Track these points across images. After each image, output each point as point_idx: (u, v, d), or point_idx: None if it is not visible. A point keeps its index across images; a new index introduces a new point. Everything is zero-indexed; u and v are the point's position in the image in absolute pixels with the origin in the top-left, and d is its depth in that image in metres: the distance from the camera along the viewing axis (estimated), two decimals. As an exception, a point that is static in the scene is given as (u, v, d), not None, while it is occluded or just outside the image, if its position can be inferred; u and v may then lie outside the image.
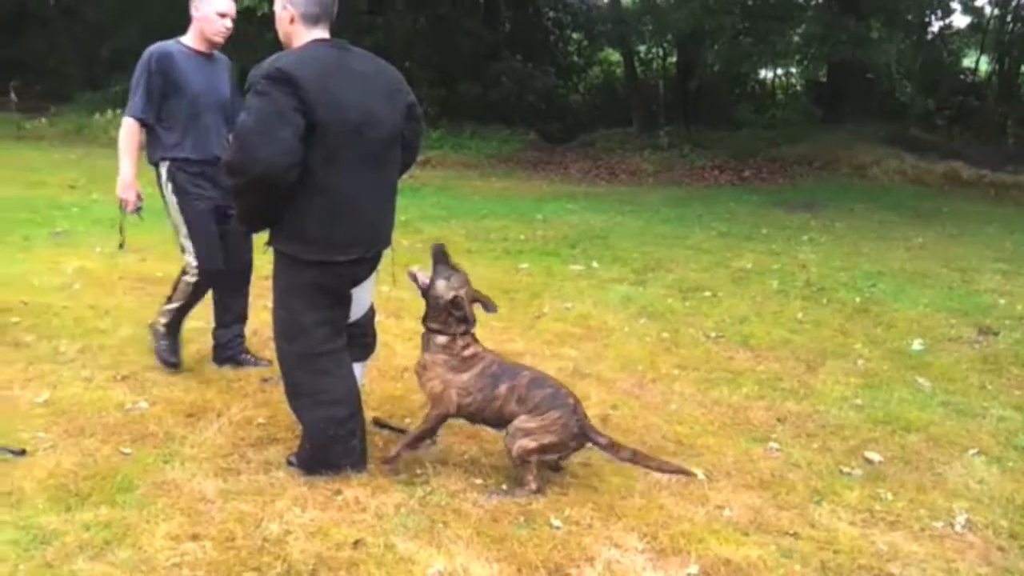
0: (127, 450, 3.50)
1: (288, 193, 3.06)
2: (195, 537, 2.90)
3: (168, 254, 6.98)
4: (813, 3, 16.54)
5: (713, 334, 5.36)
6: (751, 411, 4.18)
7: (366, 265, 3.35)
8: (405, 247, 7.13)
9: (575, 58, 21.82)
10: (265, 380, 4.26)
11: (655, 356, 4.92)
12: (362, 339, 3.54)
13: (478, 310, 3.49)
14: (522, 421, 3.28)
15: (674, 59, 19.30)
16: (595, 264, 7.20)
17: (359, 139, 3.11)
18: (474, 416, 3.45)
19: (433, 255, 3.42)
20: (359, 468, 3.37)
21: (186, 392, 4.14)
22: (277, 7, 3.23)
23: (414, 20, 17.96)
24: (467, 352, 3.39)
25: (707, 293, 6.34)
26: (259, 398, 4.09)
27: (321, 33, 3.18)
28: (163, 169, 4.32)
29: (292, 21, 3.17)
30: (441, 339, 3.42)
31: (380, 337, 4.46)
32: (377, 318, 4.41)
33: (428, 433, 3.48)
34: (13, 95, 16.69)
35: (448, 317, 3.38)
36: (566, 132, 17.32)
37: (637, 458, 3.33)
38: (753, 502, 3.30)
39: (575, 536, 3.00)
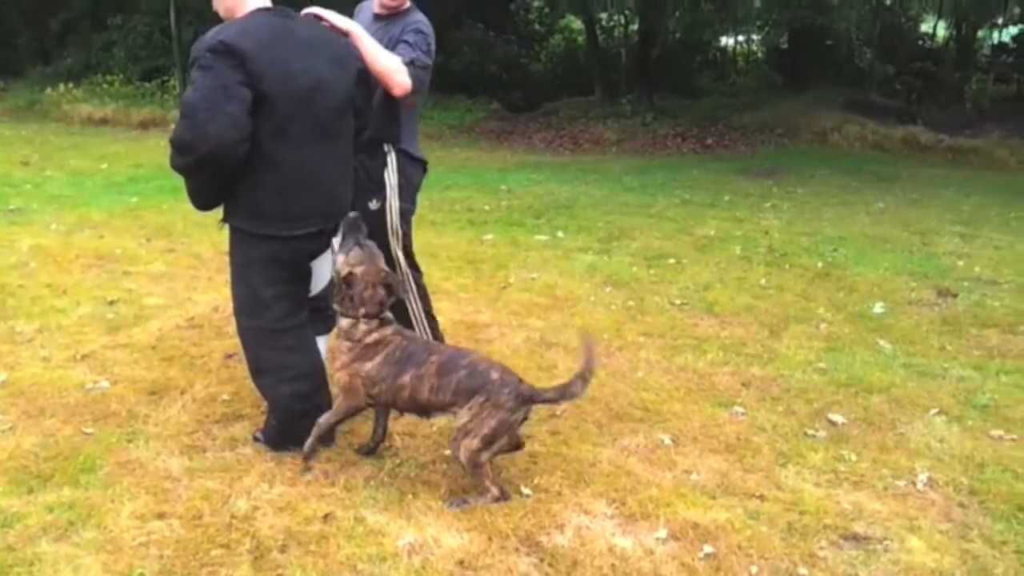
0: (89, 430, 3.44)
1: (239, 169, 2.99)
2: (161, 516, 2.87)
3: (125, 230, 6.88)
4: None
5: (678, 301, 5.39)
6: (716, 376, 4.22)
7: (325, 238, 3.28)
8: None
9: (536, 26, 21.60)
10: (229, 356, 4.21)
11: (621, 324, 4.93)
12: (324, 312, 3.49)
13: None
14: (458, 420, 3.01)
15: (636, 26, 19.22)
16: (560, 234, 7.19)
17: (310, 108, 3.05)
18: (392, 407, 3.24)
19: (343, 226, 3.15)
20: (326, 442, 3.34)
21: (148, 370, 4.08)
22: None
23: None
24: (370, 338, 3.10)
25: (671, 261, 6.37)
26: (223, 375, 4.04)
27: (263, 2, 3.11)
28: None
29: None
30: (343, 322, 3.16)
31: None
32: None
33: (337, 423, 3.26)
34: None
35: (344, 297, 3.14)
36: (529, 101, 17.19)
37: (586, 373, 3.03)
38: (719, 466, 3.34)
39: (544, 504, 3.01)
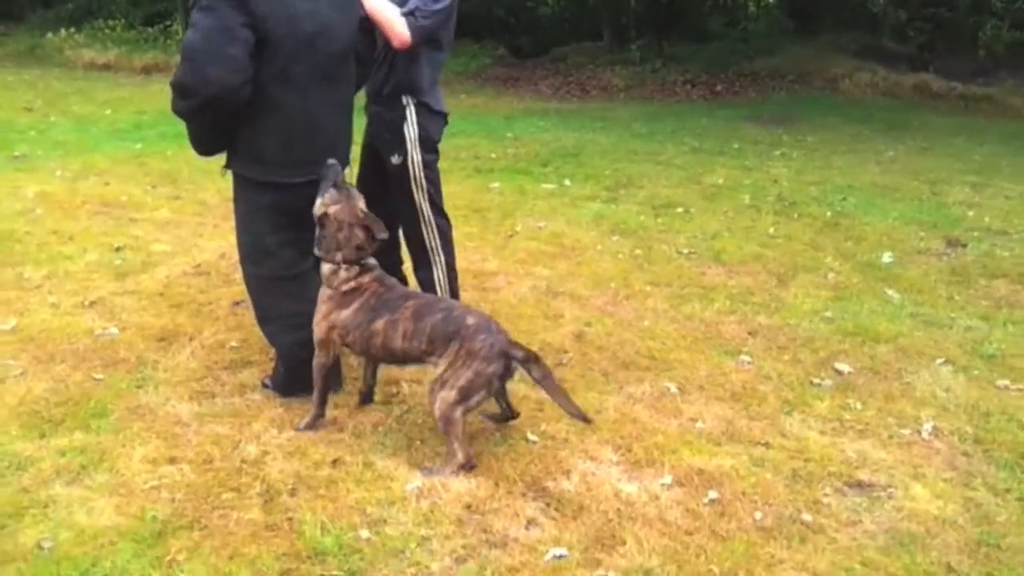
0: (99, 376, 3.47)
1: (241, 113, 2.97)
2: (172, 460, 2.90)
3: (130, 177, 6.86)
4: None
5: (685, 250, 5.37)
6: (723, 325, 4.22)
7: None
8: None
9: (544, -30, 21.25)
10: (236, 303, 4.22)
11: (628, 273, 4.92)
12: None
13: None
14: (436, 369, 2.90)
15: (646, -30, 18.87)
16: (567, 182, 7.14)
17: (312, 53, 3.01)
18: (370, 357, 3.16)
19: (325, 172, 3.05)
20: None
21: (156, 317, 4.10)
22: None
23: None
24: (347, 286, 3.03)
25: (679, 209, 6.33)
26: (231, 321, 4.06)
27: None
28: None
29: None
30: (324, 268, 3.07)
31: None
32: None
33: (323, 388, 3.15)
34: None
35: (321, 240, 3.06)
36: (536, 47, 16.93)
37: (547, 383, 2.96)
38: (725, 414, 3.36)
39: (551, 450, 3.04)
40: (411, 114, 3.64)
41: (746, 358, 3.85)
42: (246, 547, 2.46)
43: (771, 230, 5.85)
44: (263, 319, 3.35)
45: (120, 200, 6.18)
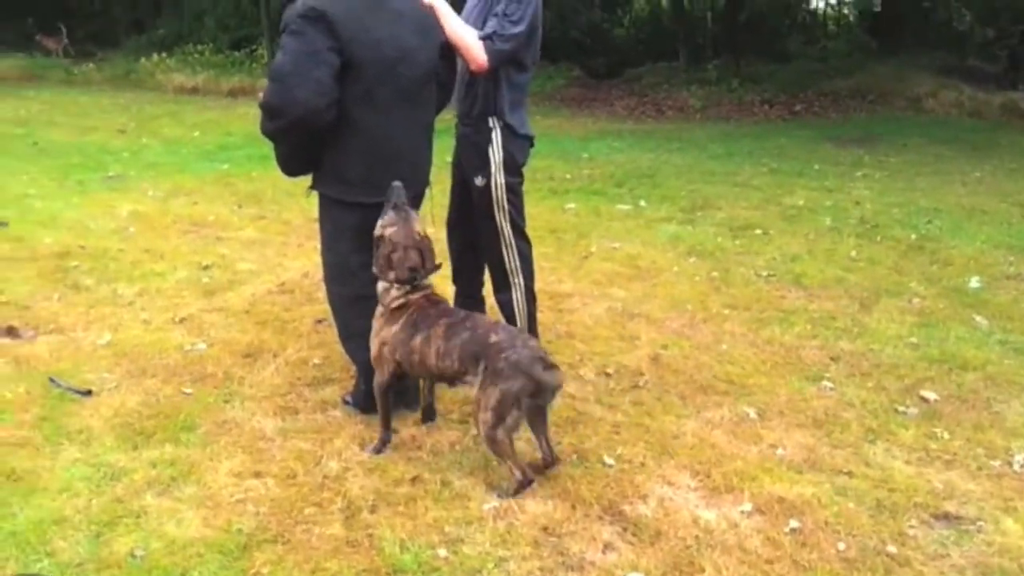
0: (188, 390, 3.59)
1: (326, 135, 3.06)
2: (257, 474, 2.99)
3: (217, 197, 7.09)
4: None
5: (764, 273, 5.30)
6: (804, 350, 4.15)
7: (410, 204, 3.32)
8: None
9: (619, -10, 21.31)
10: (319, 321, 4.32)
11: (705, 296, 4.88)
12: None
13: None
14: (474, 391, 2.87)
15: (722, -11, 18.76)
16: (643, 203, 7.12)
17: (394, 76, 3.09)
18: (416, 375, 3.15)
19: (388, 193, 3.07)
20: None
21: (242, 333, 4.22)
22: None
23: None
24: (396, 303, 3.05)
25: (758, 231, 6.25)
26: (313, 339, 4.16)
27: None
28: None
29: None
30: (379, 287, 3.10)
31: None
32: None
33: (384, 409, 3.15)
34: (52, 42, 16.97)
35: (379, 260, 3.08)
36: (611, 68, 16.97)
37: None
38: (806, 441, 3.30)
39: (628, 474, 3.03)
40: (496, 136, 3.65)
41: (828, 384, 3.77)
42: (327, 562, 2.51)
43: (853, 253, 5.72)
44: (345, 337, 3.43)
45: (208, 220, 6.39)
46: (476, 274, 4.11)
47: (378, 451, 3.15)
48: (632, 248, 5.80)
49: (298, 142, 3.13)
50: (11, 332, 4.11)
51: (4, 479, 2.89)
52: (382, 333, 3.08)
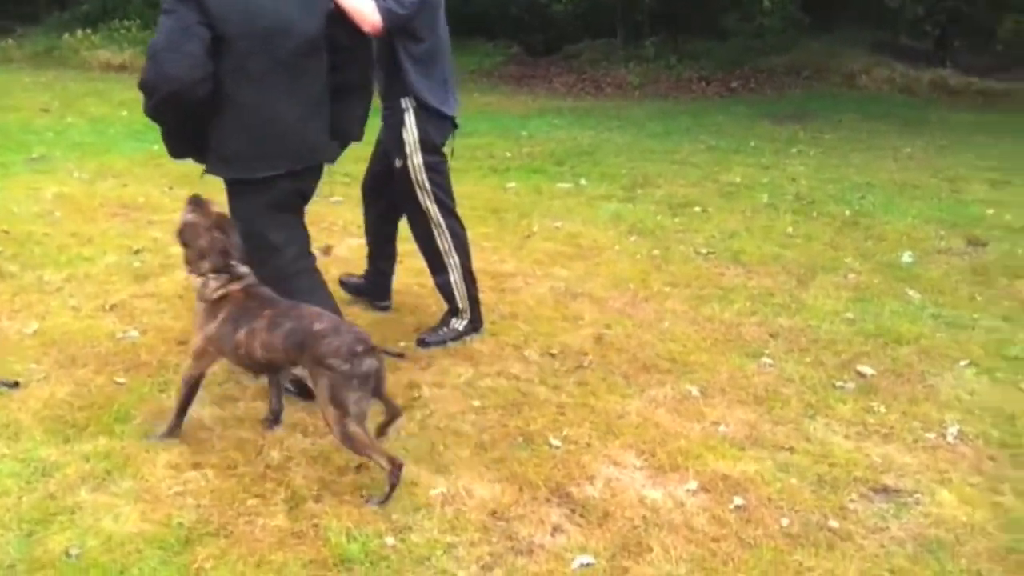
0: (121, 380, 3.47)
1: (204, 111, 3.09)
2: (196, 465, 2.90)
3: (147, 178, 6.88)
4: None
5: (704, 250, 5.35)
6: (743, 327, 4.20)
7: (309, 178, 3.35)
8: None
9: (558, -34, 21.21)
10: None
11: (646, 274, 4.91)
12: None
13: None
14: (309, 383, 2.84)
15: (659, -34, 18.80)
16: (583, 181, 7.13)
17: (270, 48, 3.09)
18: (245, 368, 3.06)
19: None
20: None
21: (176, 320, 4.11)
22: None
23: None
24: (216, 295, 2.94)
25: (697, 209, 6.30)
26: (251, 324, 4.05)
27: None
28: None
29: None
30: (196, 283, 3.00)
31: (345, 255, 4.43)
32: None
33: (186, 400, 3.05)
34: None
35: (188, 256, 3.01)
36: (550, 44, 16.88)
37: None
38: (748, 417, 3.34)
39: (574, 455, 3.03)
40: (409, 118, 3.66)
41: (768, 360, 3.83)
42: (272, 554, 2.46)
43: (790, 229, 5.81)
44: None
45: (138, 202, 6.19)
46: (385, 245, 4.17)
47: (167, 437, 3.03)
48: (573, 227, 5.80)
49: (176, 119, 3.14)
50: (-70, 323, 3.93)
51: (-74, 478, 2.77)
52: (206, 328, 2.96)
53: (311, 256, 3.42)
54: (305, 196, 3.40)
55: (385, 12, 3.35)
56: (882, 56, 13.69)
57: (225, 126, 3.15)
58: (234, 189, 3.28)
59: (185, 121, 3.15)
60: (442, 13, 3.74)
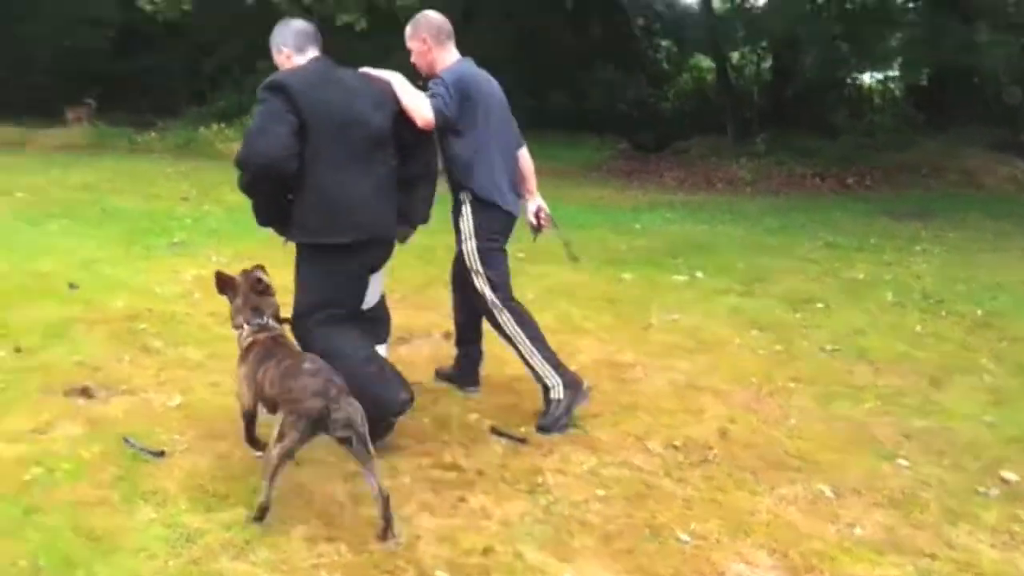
0: (258, 454, 3.60)
1: (289, 187, 3.52)
2: (330, 539, 2.98)
3: (283, 264, 7.20)
4: (913, 6, 16.05)
5: (829, 347, 5.23)
6: (875, 427, 4.07)
7: (369, 252, 3.68)
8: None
9: (665, 65, 21.65)
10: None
11: (770, 369, 4.83)
12: (378, 322, 3.94)
13: None
14: None
15: (768, 64, 18.97)
16: (699, 274, 7.11)
17: (345, 137, 3.52)
18: (268, 407, 3.27)
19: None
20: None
21: (308, 398, 4.24)
22: (273, 53, 3.73)
23: (504, 32, 18.10)
24: (246, 342, 3.44)
25: (819, 304, 6.19)
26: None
27: (313, 53, 3.67)
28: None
29: (288, 57, 3.67)
30: (235, 333, 3.55)
31: (488, 348, 4.53)
32: (484, 328, 4.48)
33: (248, 430, 3.47)
34: (78, 112, 17.75)
35: (232, 313, 3.58)
36: (658, 140, 17.15)
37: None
38: (885, 521, 3.22)
39: (703, 551, 2.97)
40: (466, 208, 4.03)
41: (903, 462, 3.69)
42: (405, 632, 2.48)
43: (918, 328, 5.64)
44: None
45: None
46: (470, 330, 4.39)
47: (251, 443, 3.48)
48: (692, 319, 5.77)
49: (267, 192, 3.58)
50: (85, 392, 4.19)
51: (85, 538, 2.92)
52: (240, 370, 3.42)
53: (348, 322, 3.69)
54: (372, 268, 3.77)
55: (437, 110, 3.75)
56: (1003, 154, 13.32)
57: (305, 201, 3.54)
58: (303, 254, 3.67)
59: (273, 196, 3.59)
60: (490, 110, 4.03)
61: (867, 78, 19.75)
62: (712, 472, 3.57)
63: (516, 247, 7.63)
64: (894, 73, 18.94)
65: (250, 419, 3.45)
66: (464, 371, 4.43)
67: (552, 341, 5.13)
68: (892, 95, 19.62)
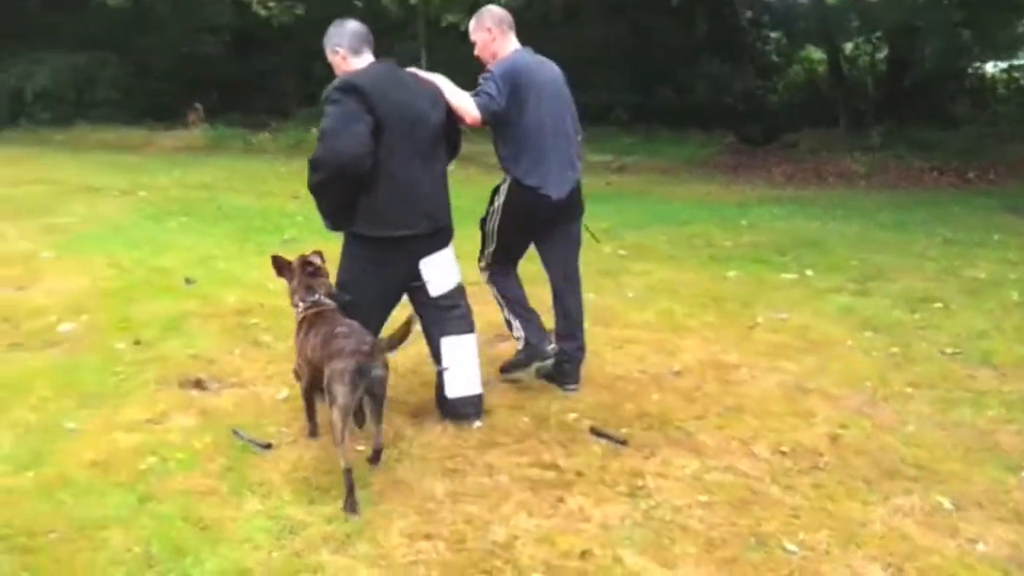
0: (361, 447, 3.66)
1: (364, 182, 3.60)
2: (428, 536, 2.99)
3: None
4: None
5: (949, 350, 4.95)
6: (999, 435, 3.83)
7: (428, 240, 3.84)
8: (608, 253, 7.12)
9: (774, 57, 21.02)
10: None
11: (885, 372, 4.60)
12: (452, 311, 4.00)
13: None
14: None
15: (883, 55, 18.17)
16: (809, 272, 6.86)
17: (412, 133, 3.69)
18: (318, 375, 3.46)
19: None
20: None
21: (409, 393, 4.30)
22: (328, 53, 3.85)
23: (608, 28, 17.93)
24: (300, 316, 3.68)
25: (938, 305, 5.87)
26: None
27: (369, 58, 3.81)
28: None
29: (344, 58, 3.79)
30: (293, 310, 3.78)
31: (589, 346, 4.49)
32: (585, 326, 4.43)
33: (308, 406, 3.76)
34: (195, 114, 18.46)
35: (289, 293, 3.81)
36: (766, 134, 16.64)
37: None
38: (1010, 537, 3.02)
39: (812, 563, 2.85)
40: (504, 186, 4.23)
41: (1031, 475, 3.46)
42: (502, 633, 2.46)
43: (1048, 331, 5.29)
44: None
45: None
46: (559, 317, 4.46)
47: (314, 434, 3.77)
48: (801, 319, 5.57)
49: (341, 191, 3.63)
50: (199, 384, 4.35)
51: (194, 527, 3.02)
52: (295, 340, 3.69)
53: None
54: (420, 254, 3.87)
55: (483, 107, 3.92)
56: None
57: (380, 196, 3.67)
58: (359, 241, 3.80)
59: (345, 194, 3.65)
60: (542, 95, 4.12)
61: (990, 67, 18.70)
62: (822, 480, 3.42)
63: (617, 244, 7.64)
64: (1020, 62, 17.91)
65: (307, 391, 3.71)
66: (564, 369, 4.40)
67: (653, 339, 5.06)
68: (1017, 84, 18.51)
